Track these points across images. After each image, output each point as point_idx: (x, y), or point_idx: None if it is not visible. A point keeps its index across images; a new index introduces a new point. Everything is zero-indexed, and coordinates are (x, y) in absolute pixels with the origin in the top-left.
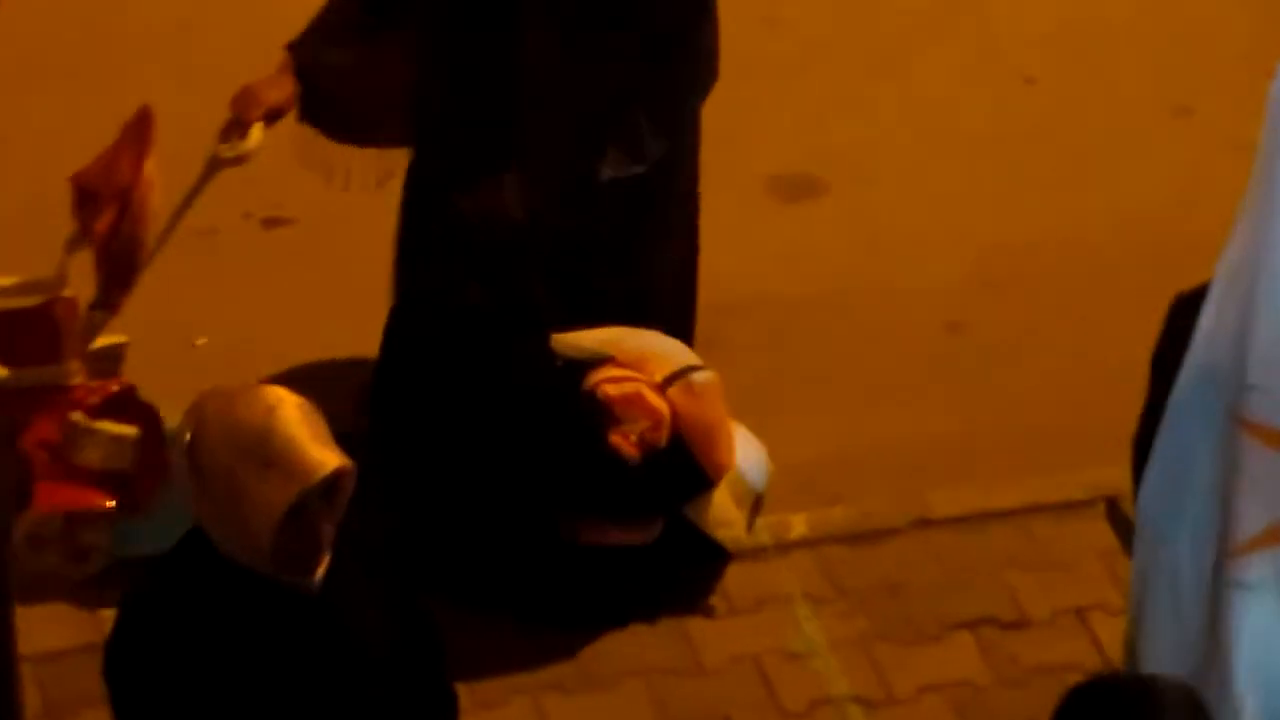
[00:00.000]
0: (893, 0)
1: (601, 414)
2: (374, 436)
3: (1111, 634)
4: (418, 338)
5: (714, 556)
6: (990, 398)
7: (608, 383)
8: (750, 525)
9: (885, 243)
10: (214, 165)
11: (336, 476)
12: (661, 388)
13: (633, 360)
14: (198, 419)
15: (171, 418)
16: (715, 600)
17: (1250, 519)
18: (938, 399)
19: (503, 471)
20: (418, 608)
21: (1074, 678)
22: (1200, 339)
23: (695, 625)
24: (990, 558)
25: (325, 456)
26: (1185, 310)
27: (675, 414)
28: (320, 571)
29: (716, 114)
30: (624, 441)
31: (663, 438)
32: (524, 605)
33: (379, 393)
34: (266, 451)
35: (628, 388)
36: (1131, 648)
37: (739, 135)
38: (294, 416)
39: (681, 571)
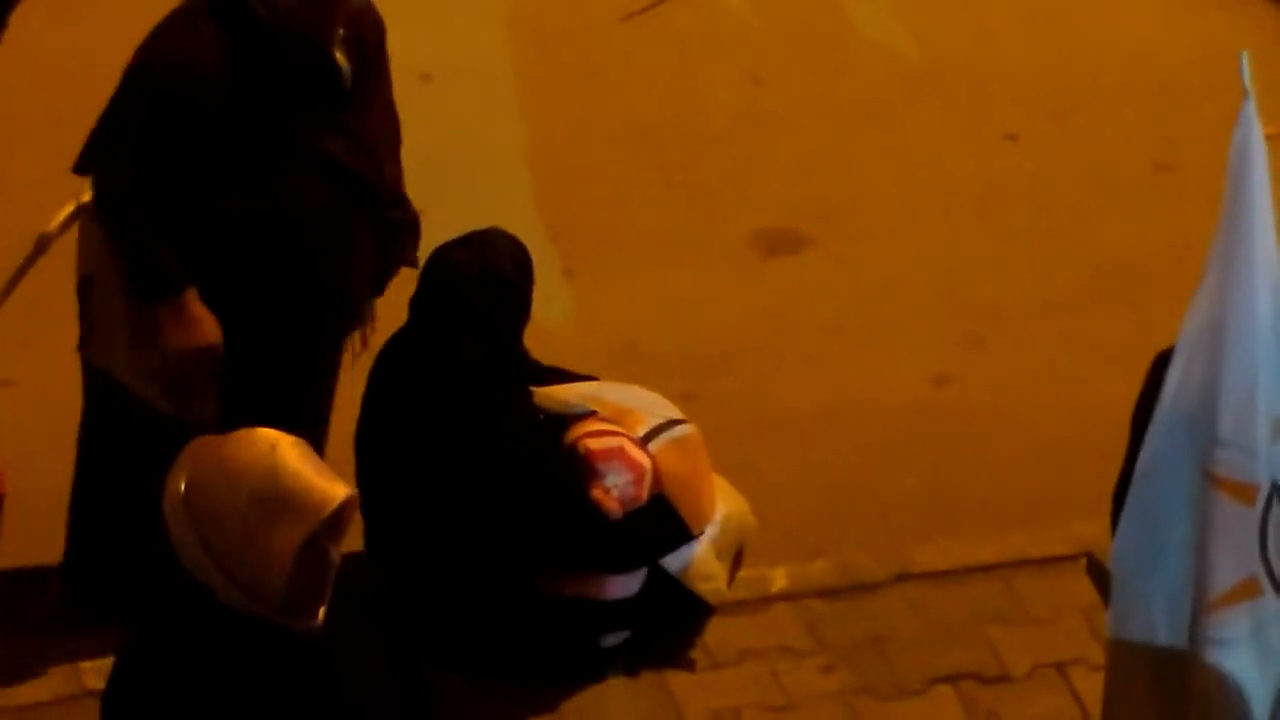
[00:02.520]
0: (876, 58)
1: (583, 468)
2: (359, 489)
3: (1093, 689)
4: (398, 391)
5: (696, 610)
6: (973, 452)
7: (589, 437)
8: (731, 579)
9: (869, 297)
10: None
11: (347, 506)
12: (643, 441)
13: (615, 414)
14: (191, 471)
15: None
16: (696, 654)
17: (1223, 574)
18: (921, 453)
19: (484, 525)
20: (409, 657)
21: None
22: (1169, 395)
23: (676, 679)
24: (972, 612)
25: (333, 488)
26: (1165, 367)
27: (657, 468)
28: (323, 611)
29: (701, 170)
30: (605, 496)
31: (644, 492)
32: (505, 660)
33: (362, 444)
34: (276, 491)
35: (609, 442)
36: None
37: (723, 191)
38: (294, 454)
39: (663, 625)
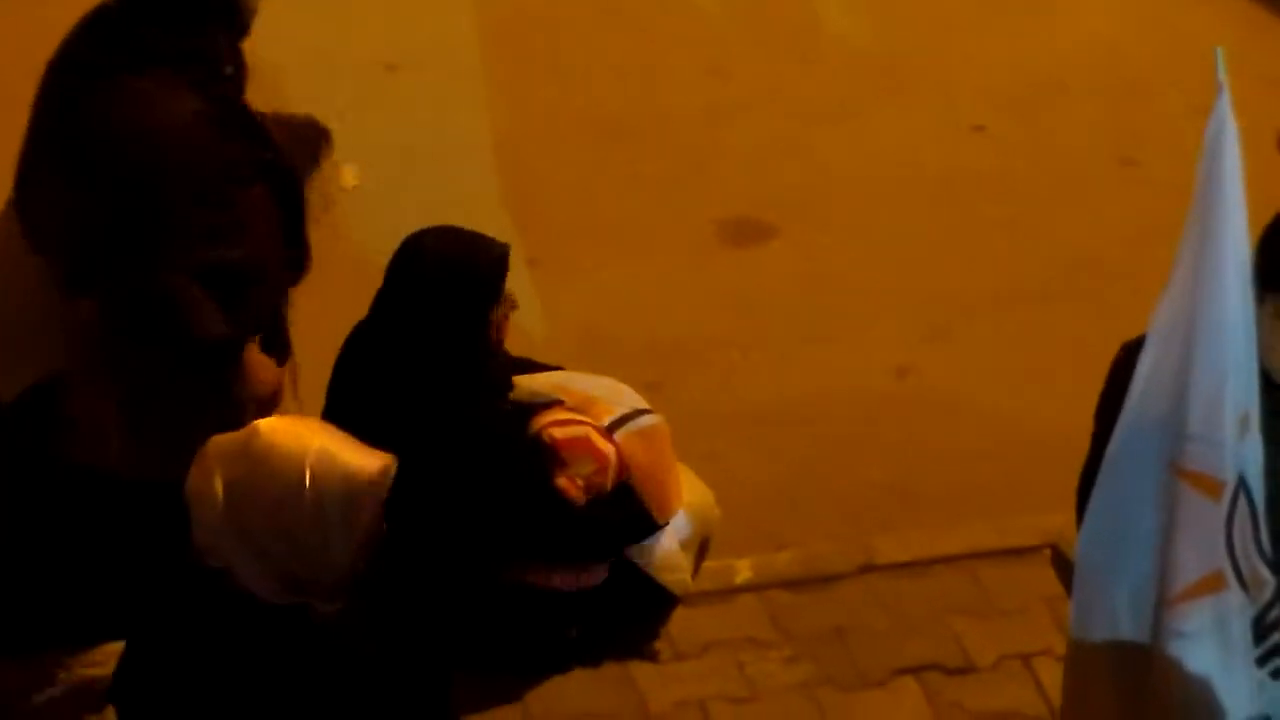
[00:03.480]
0: (841, 50)
1: (548, 457)
2: None
3: (1056, 680)
4: (362, 379)
5: (660, 601)
6: (937, 443)
7: (554, 425)
8: (696, 569)
9: (833, 288)
10: None
11: (387, 470)
12: (609, 431)
13: (581, 403)
14: (227, 470)
15: None
16: (660, 645)
17: (1188, 568)
18: (885, 444)
19: (449, 514)
20: (424, 642)
21: None
22: (1138, 388)
23: (640, 670)
24: (936, 603)
25: (378, 456)
26: (1130, 359)
27: (622, 457)
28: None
29: (666, 160)
30: (570, 485)
31: (609, 481)
32: (469, 651)
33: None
34: (336, 468)
35: (574, 430)
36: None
37: (688, 181)
38: (329, 432)
39: (628, 616)
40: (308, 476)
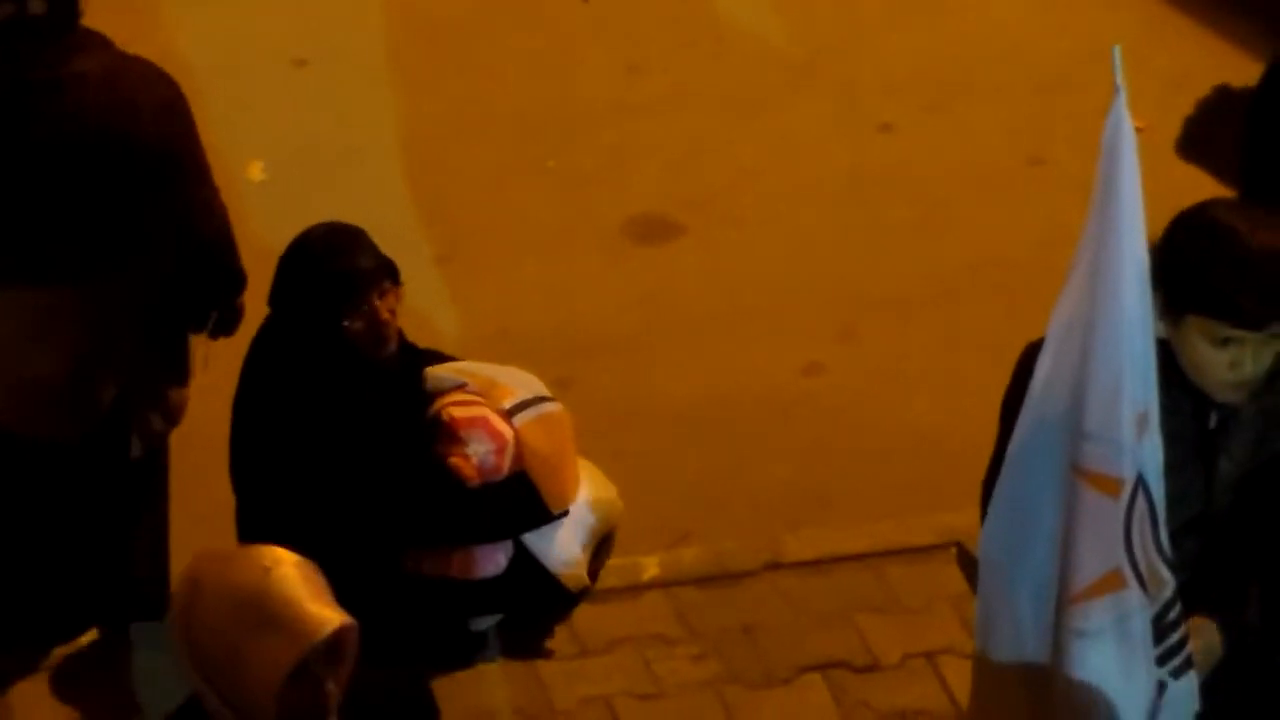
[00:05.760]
0: (751, 49)
1: (445, 434)
2: (235, 466)
3: (961, 678)
4: (264, 377)
5: (557, 597)
6: (844, 442)
7: (454, 405)
8: (601, 565)
9: (742, 286)
10: None
11: (340, 635)
12: (509, 414)
13: (484, 386)
14: (192, 584)
15: None
16: (567, 641)
17: (1088, 566)
18: (792, 442)
19: (349, 495)
20: None
21: None
22: (1037, 388)
23: (547, 667)
24: (842, 601)
25: (327, 615)
26: (1033, 359)
27: (520, 441)
28: None
29: (575, 158)
30: (464, 463)
31: (505, 462)
32: (376, 643)
33: (235, 431)
34: (266, 612)
35: (473, 410)
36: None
37: (598, 178)
38: (292, 575)
39: (531, 609)
40: (236, 608)
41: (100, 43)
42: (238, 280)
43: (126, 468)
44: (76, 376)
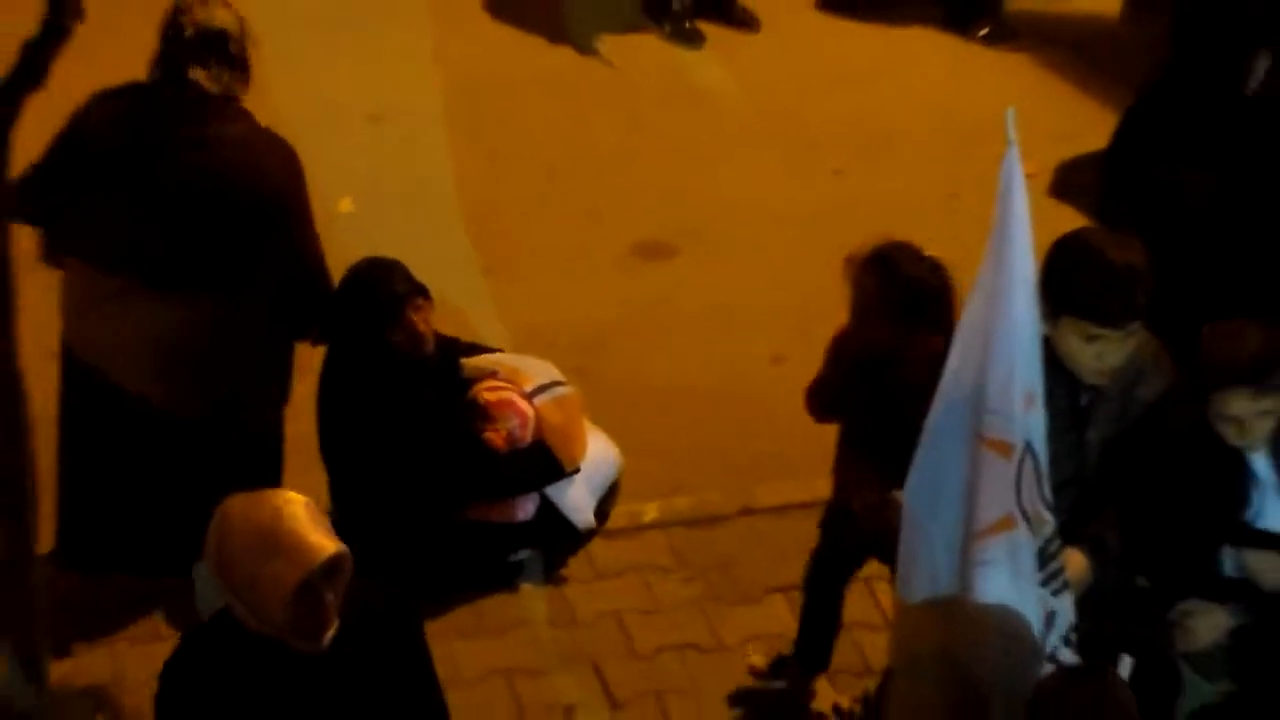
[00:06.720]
0: (729, 107)
1: (480, 414)
2: (323, 447)
3: (887, 599)
4: (337, 377)
5: (571, 535)
6: (802, 415)
7: (486, 390)
8: (609, 510)
9: (724, 295)
10: None
11: (336, 559)
12: (530, 396)
13: (510, 375)
14: (222, 520)
15: None
16: (586, 569)
17: (987, 511)
18: (763, 416)
19: (409, 465)
20: (417, 666)
21: (860, 631)
22: (949, 374)
23: (571, 588)
24: (801, 539)
25: (325, 542)
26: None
27: (539, 417)
28: (328, 637)
29: (591, 194)
30: (495, 436)
31: (528, 435)
32: (439, 573)
33: (322, 425)
34: (277, 541)
35: (502, 394)
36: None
37: (608, 210)
38: (299, 513)
39: (555, 546)
40: (253, 537)
41: (241, 114)
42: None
43: (247, 440)
44: (201, 367)
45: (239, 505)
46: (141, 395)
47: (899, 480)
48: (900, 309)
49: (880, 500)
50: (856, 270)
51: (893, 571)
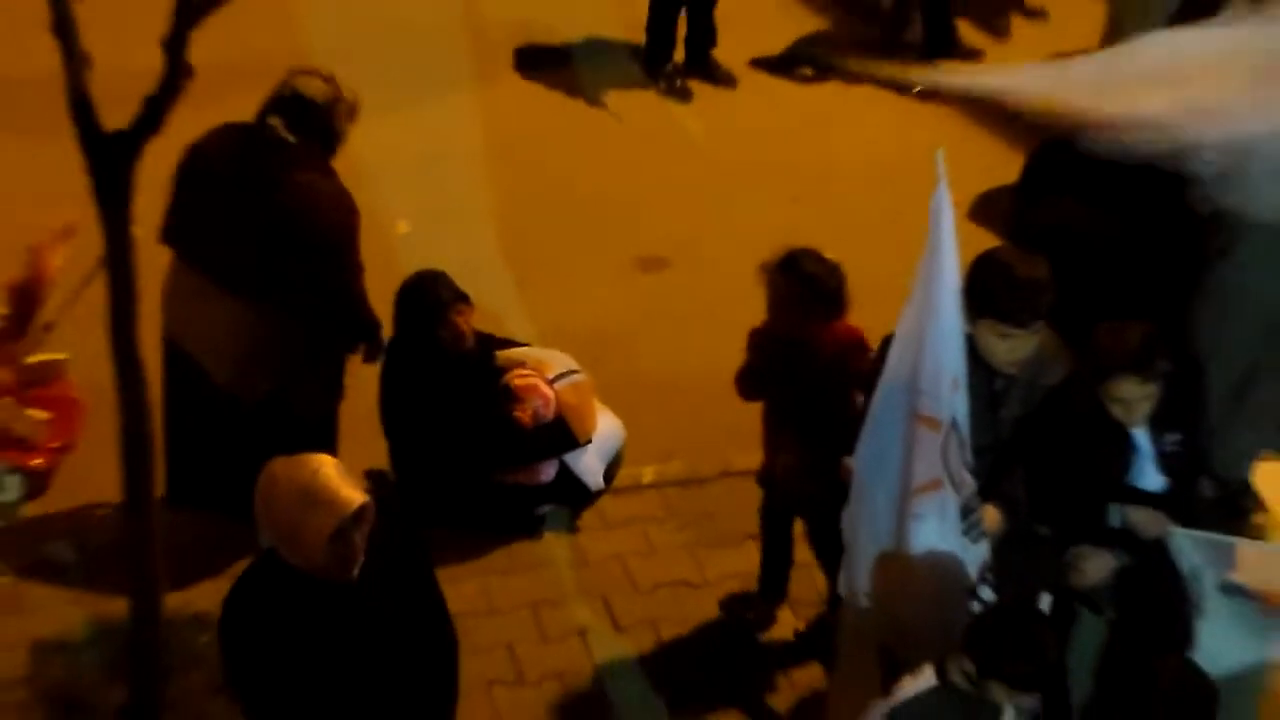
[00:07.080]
0: (711, 147)
1: (511, 397)
2: (385, 423)
3: None
4: (398, 366)
5: (584, 494)
6: None
7: (516, 377)
8: (615, 473)
9: (708, 300)
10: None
11: (363, 508)
12: (551, 382)
13: (535, 364)
14: (268, 478)
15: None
16: (596, 520)
17: (920, 475)
18: (738, 397)
19: (454, 437)
20: (425, 585)
21: (815, 570)
22: (890, 363)
23: (584, 536)
24: None
25: (354, 495)
26: (887, 345)
27: (559, 398)
28: (357, 571)
29: (600, 219)
30: (523, 414)
31: (550, 413)
32: (477, 521)
33: (384, 403)
34: (314, 495)
35: (529, 379)
36: (845, 559)
37: (614, 232)
38: (331, 472)
39: (572, 502)
40: (294, 491)
41: (314, 164)
42: (367, 326)
43: (298, 426)
44: (254, 361)
45: (282, 466)
46: (208, 374)
47: (813, 445)
48: (805, 302)
49: (797, 463)
50: (770, 272)
51: (807, 525)
